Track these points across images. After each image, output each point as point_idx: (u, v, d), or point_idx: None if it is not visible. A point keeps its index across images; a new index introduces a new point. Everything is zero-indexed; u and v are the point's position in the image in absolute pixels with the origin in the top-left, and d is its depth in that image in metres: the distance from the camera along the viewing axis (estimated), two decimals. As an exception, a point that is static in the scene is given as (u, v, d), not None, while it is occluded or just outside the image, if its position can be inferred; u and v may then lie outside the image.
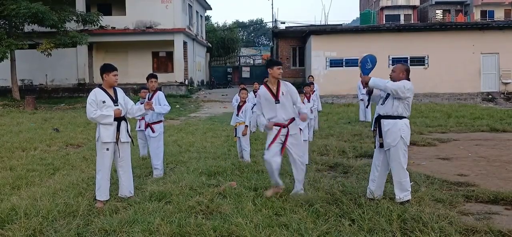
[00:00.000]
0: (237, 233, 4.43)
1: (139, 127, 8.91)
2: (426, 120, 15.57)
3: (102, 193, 5.77)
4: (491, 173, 7.59)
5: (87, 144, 11.34)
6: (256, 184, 6.31)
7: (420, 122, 15.13)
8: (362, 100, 14.86)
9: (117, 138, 5.80)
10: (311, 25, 33.04)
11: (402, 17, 47.36)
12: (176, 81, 28.78)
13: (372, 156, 5.87)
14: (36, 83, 29.10)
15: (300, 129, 8.43)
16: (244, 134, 8.52)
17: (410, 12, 48.31)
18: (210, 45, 40.67)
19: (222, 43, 47.32)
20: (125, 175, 5.99)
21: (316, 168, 7.95)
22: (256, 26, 71.75)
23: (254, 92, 13.80)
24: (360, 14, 41.60)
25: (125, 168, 5.99)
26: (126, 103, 6.01)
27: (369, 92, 5.73)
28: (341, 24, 35.96)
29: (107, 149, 5.76)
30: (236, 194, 5.79)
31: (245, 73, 40.06)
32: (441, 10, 49.54)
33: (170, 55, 30.20)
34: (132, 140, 6.09)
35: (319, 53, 26.02)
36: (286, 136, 5.85)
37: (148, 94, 7.71)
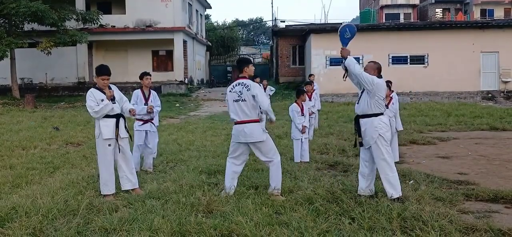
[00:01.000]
0: (237, 232, 4.43)
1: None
2: (426, 119, 15.58)
3: (110, 187, 6.04)
4: (491, 172, 7.61)
5: (87, 142, 11.33)
6: (256, 183, 6.31)
7: (420, 120, 15.14)
8: None
9: (117, 134, 6.03)
10: (311, 24, 32.98)
11: (402, 16, 47.31)
12: (176, 80, 28.77)
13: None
14: (36, 81, 29.08)
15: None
16: None
17: (410, 10, 48.26)
18: (210, 44, 40.65)
19: (222, 42, 47.27)
20: (129, 169, 6.21)
21: (316, 166, 7.97)
22: (256, 25, 71.71)
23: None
24: (360, 13, 41.55)
25: (128, 162, 6.22)
26: (120, 100, 6.20)
27: (346, 68, 5.72)
28: (341, 23, 35.91)
29: (109, 145, 6.02)
30: (236, 192, 5.79)
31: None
32: (441, 9, 49.50)
33: (170, 54, 30.18)
34: (130, 136, 6.34)
35: (319, 51, 26.01)
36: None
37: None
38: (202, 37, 37.29)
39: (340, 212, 5.05)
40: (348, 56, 5.67)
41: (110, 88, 6.07)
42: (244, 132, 5.71)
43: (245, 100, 5.71)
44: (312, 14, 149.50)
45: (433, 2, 49.18)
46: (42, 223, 4.76)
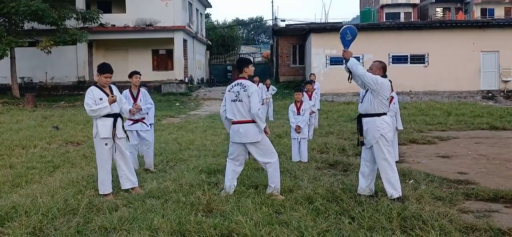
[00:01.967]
0: (237, 231, 4.43)
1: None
2: (426, 118, 15.58)
3: (107, 187, 6.04)
4: (491, 171, 7.60)
5: (87, 142, 11.33)
6: (256, 182, 6.31)
7: (420, 120, 15.14)
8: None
9: (114, 134, 6.05)
10: (311, 23, 32.96)
11: (402, 15, 47.29)
12: (176, 79, 28.77)
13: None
14: (36, 80, 29.08)
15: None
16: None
17: (410, 10, 48.24)
18: (210, 43, 40.62)
19: (222, 41, 47.21)
20: (128, 168, 6.23)
21: (316, 166, 7.96)
22: (256, 24, 71.66)
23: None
24: (360, 12, 41.53)
25: (126, 161, 6.25)
26: (119, 100, 6.25)
27: (349, 70, 5.73)
28: (341, 22, 35.91)
29: (106, 144, 6.03)
30: (236, 192, 5.79)
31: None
32: (441, 8, 49.49)
33: (170, 53, 30.18)
34: (127, 136, 6.38)
35: (319, 51, 26.00)
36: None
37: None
38: (202, 36, 37.27)
39: (340, 211, 5.05)
40: (350, 58, 5.67)
41: (111, 88, 6.08)
42: (239, 132, 5.72)
43: (241, 101, 5.71)
44: (312, 14, 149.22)
45: (434, 1, 49.16)
46: (42, 222, 4.76)
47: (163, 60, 31.14)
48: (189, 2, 32.54)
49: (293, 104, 8.66)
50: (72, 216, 5.05)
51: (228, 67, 41.81)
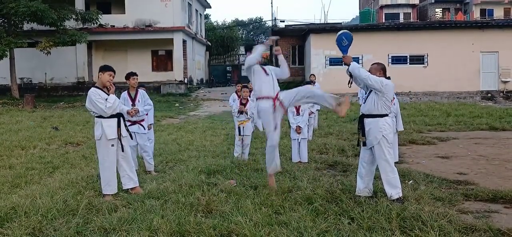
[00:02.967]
0: (236, 232, 4.43)
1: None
2: (426, 119, 15.58)
3: (113, 187, 6.07)
4: (490, 172, 7.61)
5: (86, 142, 11.33)
6: (255, 183, 6.31)
7: (419, 120, 15.15)
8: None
9: (119, 134, 6.07)
10: (311, 24, 32.99)
11: (401, 16, 47.30)
12: (175, 80, 28.77)
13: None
14: (35, 81, 29.06)
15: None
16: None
17: (409, 10, 48.24)
18: (210, 44, 40.63)
19: (222, 42, 47.22)
20: (129, 167, 6.26)
21: (316, 166, 7.96)
22: (256, 25, 71.65)
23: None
24: (359, 13, 41.54)
25: (129, 161, 6.29)
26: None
27: (350, 74, 5.76)
28: (341, 23, 35.94)
29: (112, 145, 6.05)
30: (236, 192, 5.79)
31: (245, 71, 39.93)
32: (441, 9, 49.50)
33: (169, 53, 30.18)
34: (130, 134, 6.43)
35: (318, 51, 26.02)
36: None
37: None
38: (202, 37, 37.27)
39: (339, 212, 5.05)
40: (351, 62, 5.67)
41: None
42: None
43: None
44: (311, 14, 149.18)
45: (433, 2, 49.18)
46: (41, 223, 4.75)
47: (162, 61, 31.14)
48: (188, 2, 32.54)
49: (293, 104, 8.65)
50: (71, 216, 5.05)
51: (228, 68, 41.84)
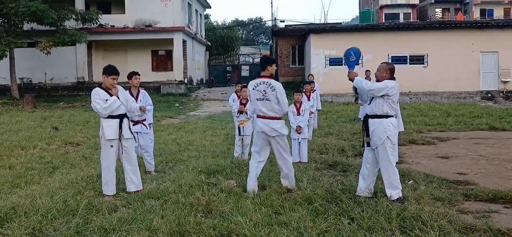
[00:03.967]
0: (236, 232, 4.43)
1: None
2: (425, 119, 15.57)
3: (110, 188, 6.04)
4: (490, 172, 7.61)
5: (86, 142, 11.33)
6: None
7: (419, 120, 15.13)
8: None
9: (120, 135, 6.02)
10: (311, 24, 32.99)
11: (401, 16, 47.30)
12: (175, 80, 28.76)
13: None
14: (35, 81, 29.05)
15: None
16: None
17: (409, 10, 48.24)
18: (210, 44, 40.63)
19: (222, 42, 47.19)
20: (133, 170, 6.21)
21: (316, 166, 7.96)
22: (256, 25, 71.65)
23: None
24: (359, 13, 41.53)
25: (132, 163, 6.21)
26: (127, 101, 6.27)
27: (355, 89, 5.86)
28: (341, 23, 35.91)
29: (112, 146, 6.00)
30: (236, 192, 5.79)
31: (245, 71, 39.98)
32: (441, 9, 49.51)
33: (169, 53, 30.18)
34: (134, 137, 6.31)
35: (318, 51, 26.00)
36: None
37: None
38: (202, 37, 37.27)
39: (339, 212, 5.05)
40: (355, 78, 5.71)
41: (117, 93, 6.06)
42: (266, 126, 5.93)
43: (269, 100, 5.91)
44: (311, 14, 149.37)
45: (433, 2, 49.19)
46: (41, 223, 4.75)
47: (162, 61, 31.13)
48: (188, 3, 32.54)
49: (293, 104, 8.67)
50: (71, 216, 5.05)
51: (228, 68, 41.81)
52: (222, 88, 33.55)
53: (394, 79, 5.67)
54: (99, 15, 26.35)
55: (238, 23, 64.86)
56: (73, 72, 28.97)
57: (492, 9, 47.23)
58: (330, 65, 25.76)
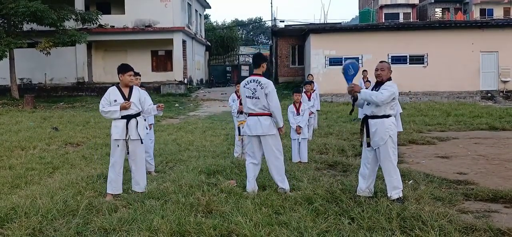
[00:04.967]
0: (236, 232, 4.43)
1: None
2: (425, 119, 15.58)
3: (114, 187, 6.08)
4: (490, 172, 7.61)
5: (86, 143, 11.33)
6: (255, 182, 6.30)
7: (419, 120, 15.14)
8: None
9: (127, 136, 6.05)
10: (310, 24, 32.99)
11: (401, 16, 47.30)
12: (175, 80, 28.76)
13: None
14: (35, 82, 29.04)
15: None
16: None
17: (409, 10, 48.25)
18: (209, 44, 40.63)
19: (221, 42, 47.18)
20: (138, 172, 6.24)
21: (316, 166, 7.97)
22: (255, 25, 71.66)
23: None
24: (359, 13, 41.55)
25: (137, 165, 6.23)
26: (143, 102, 6.31)
27: (355, 99, 5.77)
28: (340, 23, 35.93)
29: (118, 146, 6.06)
30: (236, 192, 5.79)
31: (244, 71, 39.94)
32: (441, 9, 49.49)
33: (169, 54, 30.17)
34: (141, 139, 6.20)
35: (318, 51, 26.00)
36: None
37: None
38: (202, 37, 37.27)
39: (339, 212, 5.05)
40: (361, 91, 5.59)
41: (131, 94, 6.15)
42: (256, 124, 5.91)
43: (258, 98, 5.89)
44: (311, 14, 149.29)
45: (433, 1, 49.19)
46: (41, 224, 4.76)
47: (162, 61, 31.13)
48: (188, 3, 32.54)
49: (292, 105, 8.67)
50: (71, 217, 5.05)
51: (227, 68, 41.81)
52: (222, 88, 33.55)
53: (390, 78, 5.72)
54: (99, 15, 26.35)
55: (238, 23, 64.88)
56: (73, 72, 28.96)
57: (492, 9, 47.22)
58: (330, 65, 25.75)
